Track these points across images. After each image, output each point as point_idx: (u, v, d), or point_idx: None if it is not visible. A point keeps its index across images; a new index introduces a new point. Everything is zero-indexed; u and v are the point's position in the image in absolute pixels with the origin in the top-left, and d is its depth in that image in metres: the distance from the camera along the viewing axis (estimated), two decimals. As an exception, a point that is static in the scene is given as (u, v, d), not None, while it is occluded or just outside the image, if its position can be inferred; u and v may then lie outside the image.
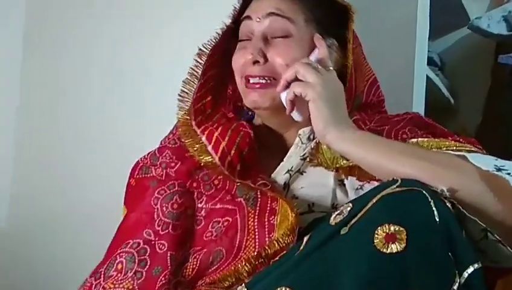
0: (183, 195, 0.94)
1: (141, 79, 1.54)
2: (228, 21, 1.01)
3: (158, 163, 0.98)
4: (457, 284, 0.65)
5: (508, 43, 1.70)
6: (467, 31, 1.78)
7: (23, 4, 1.75)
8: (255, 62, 0.93)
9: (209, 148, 0.95)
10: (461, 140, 0.90)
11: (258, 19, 0.95)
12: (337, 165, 0.90)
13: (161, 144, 1.03)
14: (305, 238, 0.74)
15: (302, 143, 0.97)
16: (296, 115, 0.92)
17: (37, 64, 1.73)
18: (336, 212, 0.73)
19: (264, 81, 0.94)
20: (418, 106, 1.38)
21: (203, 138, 0.97)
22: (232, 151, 0.94)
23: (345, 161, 0.89)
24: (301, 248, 0.73)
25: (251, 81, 0.95)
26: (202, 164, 0.95)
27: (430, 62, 1.67)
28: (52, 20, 1.73)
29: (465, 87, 1.84)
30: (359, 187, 0.91)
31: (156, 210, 0.93)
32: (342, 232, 0.70)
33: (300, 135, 0.96)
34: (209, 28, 1.01)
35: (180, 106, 1.02)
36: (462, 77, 1.84)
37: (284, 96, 0.91)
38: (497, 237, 0.73)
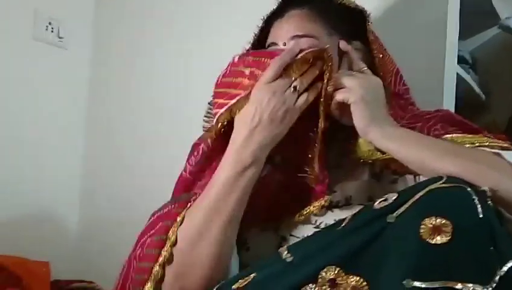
0: None
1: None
2: (248, 47, 1.04)
3: None
4: (497, 277, 0.65)
5: (536, 42, 1.63)
6: (497, 30, 1.72)
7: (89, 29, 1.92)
8: None
9: None
10: (491, 136, 0.91)
11: (284, 44, 0.97)
12: (373, 158, 0.91)
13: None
14: (347, 218, 0.76)
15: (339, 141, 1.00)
16: (345, 121, 0.95)
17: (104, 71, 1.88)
18: (381, 199, 0.75)
19: None
20: (449, 103, 1.34)
21: None
22: None
23: (380, 154, 0.90)
24: (343, 224, 0.75)
25: None
26: None
27: (461, 60, 1.58)
28: (119, 34, 1.88)
29: (496, 84, 1.75)
30: (394, 180, 0.94)
31: None
32: (389, 220, 0.71)
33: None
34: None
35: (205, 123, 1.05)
36: (493, 74, 1.74)
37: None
38: None
